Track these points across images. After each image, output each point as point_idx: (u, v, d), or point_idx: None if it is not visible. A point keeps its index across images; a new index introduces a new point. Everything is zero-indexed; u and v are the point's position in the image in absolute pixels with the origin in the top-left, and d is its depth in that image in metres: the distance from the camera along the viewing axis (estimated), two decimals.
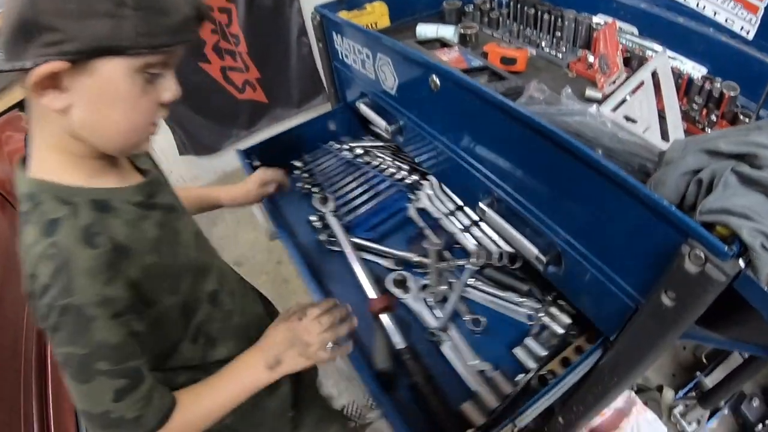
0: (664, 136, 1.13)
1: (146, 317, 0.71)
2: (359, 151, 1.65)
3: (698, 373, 1.82)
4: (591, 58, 1.35)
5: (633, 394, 1.60)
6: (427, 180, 1.51)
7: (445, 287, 1.29)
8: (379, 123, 1.46)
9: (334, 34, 1.53)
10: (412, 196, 1.51)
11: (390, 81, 1.31)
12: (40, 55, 0.55)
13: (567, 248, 0.93)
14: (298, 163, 1.65)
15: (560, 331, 1.20)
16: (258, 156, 1.62)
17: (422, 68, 1.14)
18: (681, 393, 1.81)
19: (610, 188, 0.75)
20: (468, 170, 1.14)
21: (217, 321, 0.87)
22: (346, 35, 1.45)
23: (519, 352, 1.18)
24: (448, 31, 1.60)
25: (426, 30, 1.63)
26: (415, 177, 1.53)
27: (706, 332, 0.79)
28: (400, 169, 1.57)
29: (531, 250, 1.03)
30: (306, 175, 1.61)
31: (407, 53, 1.17)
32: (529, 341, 1.20)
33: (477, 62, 1.35)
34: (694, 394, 1.79)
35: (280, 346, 0.85)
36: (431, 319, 1.24)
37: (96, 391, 0.64)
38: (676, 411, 1.79)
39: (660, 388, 1.86)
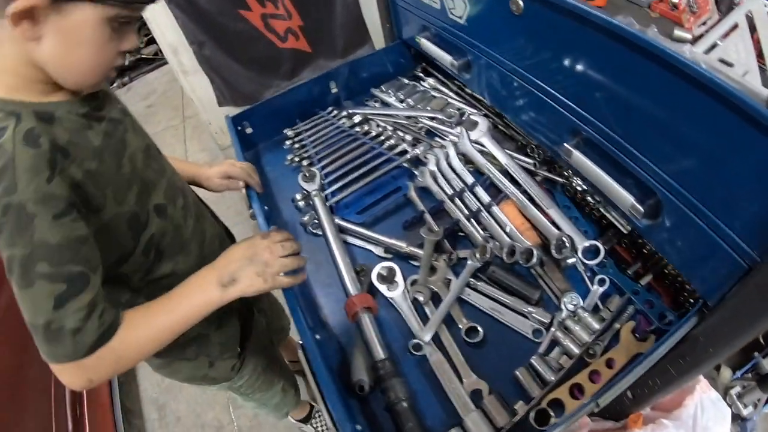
0: (765, 82, 1.04)
1: (92, 223, 0.71)
2: (358, 119, 1.42)
3: (756, 353, 1.63)
4: None
5: None
6: (433, 154, 1.27)
7: (439, 286, 1.08)
8: (443, 58, 1.32)
9: None
10: (416, 173, 1.28)
11: (459, 8, 1.18)
12: None
13: (670, 195, 0.82)
14: (289, 133, 1.45)
15: (575, 350, 0.97)
16: (250, 122, 1.44)
17: None
18: (738, 373, 1.64)
19: (733, 117, 0.64)
20: (552, 105, 1.01)
21: (168, 235, 0.88)
22: None
23: (521, 375, 0.96)
24: None
25: None
26: (418, 151, 1.29)
27: None
28: (402, 140, 1.33)
29: (626, 198, 0.91)
30: (297, 146, 1.41)
31: None
32: (536, 362, 0.97)
33: None
34: (751, 375, 1.65)
35: (238, 263, 0.82)
36: (418, 325, 1.04)
37: (37, 297, 0.64)
38: (733, 392, 1.61)
39: (717, 367, 1.68)
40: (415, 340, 1.01)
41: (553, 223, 1.11)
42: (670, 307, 1.01)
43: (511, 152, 1.23)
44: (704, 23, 1.12)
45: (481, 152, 1.24)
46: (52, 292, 0.64)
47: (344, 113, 1.45)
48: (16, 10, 0.60)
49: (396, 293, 1.08)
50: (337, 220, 1.21)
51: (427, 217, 1.17)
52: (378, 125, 1.40)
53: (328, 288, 1.15)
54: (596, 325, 0.99)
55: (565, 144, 1.01)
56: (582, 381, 0.96)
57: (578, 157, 0.99)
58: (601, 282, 1.05)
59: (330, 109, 1.50)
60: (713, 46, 1.06)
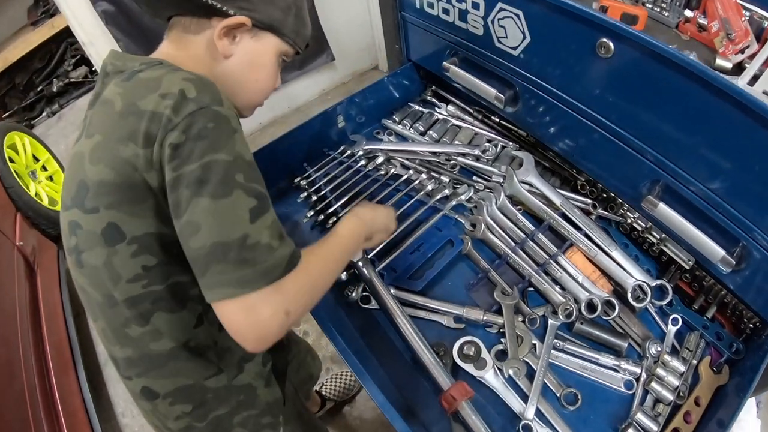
0: None
1: None
2: (380, 159, 1.24)
3: None
4: (702, 20, 1.17)
5: None
6: (481, 199, 1.16)
7: (527, 355, 1.01)
8: (485, 90, 1.17)
9: None
10: (462, 221, 1.16)
11: (515, 39, 1.04)
12: (235, 9, 0.75)
13: (755, 243, 0.84)
14: (303, 183, 1.22)
15: (670, 397, 0.97)
16: None
17: (588, 28, 0.88)
18: None
19: None
20: (631, 153, 0.95)
21: None
22: None
23: None
24: None
25: None
26: (463, 197, 1.17)
27: None
28: (439, 183, 1.19)
29: (716, 251, 0.91)
30: (315, 197, 1.20)
31: (571, 7, 0.89)
32: (642, 418, 0.95)
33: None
34: None
35: (378, 226, 0.96)
36: (518, 403, 0.96)
37: (236, 206, 0.61)
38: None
39: None
40: (524, 422, 0.94)
41: (617, 264, 1.09)
42: (733, 335, 1.06)
43: (563, 192, 1.16)
44: (743, 51, 1.10)
45: (530, 192, 1.16)
46: (247, 204, 0.62)
47: (359, 152, 1.26)
48: (228, 24, 0.75)
49: (486, 372, 0.98)
50: (395, 292, 1.06)
51: (495, 276, 1.07)
52: (404, 165, 1.24)
53: (401, 370, 1.01)
54: (682, 368, 1.00)
55: (650, 196, 0.96)
56: (679, 425, 0.97)
57: (664, 210, 0.96)
58: (675, 321, 1.06)
59: (342, 148, 1.29)
60: (755, 77, 1.05)
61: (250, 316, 0.60)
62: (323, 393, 1.66)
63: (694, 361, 1.03)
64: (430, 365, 0.95)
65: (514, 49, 1.04)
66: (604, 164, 1.03)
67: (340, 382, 1.70)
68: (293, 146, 1.23)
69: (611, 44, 0.86)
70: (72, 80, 3.50)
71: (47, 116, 3.50)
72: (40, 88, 3.45)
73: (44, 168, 2.49)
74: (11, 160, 2.18)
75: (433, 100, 1.41)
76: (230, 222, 0.60)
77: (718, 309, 1.08)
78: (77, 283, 0.73)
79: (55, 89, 3.44)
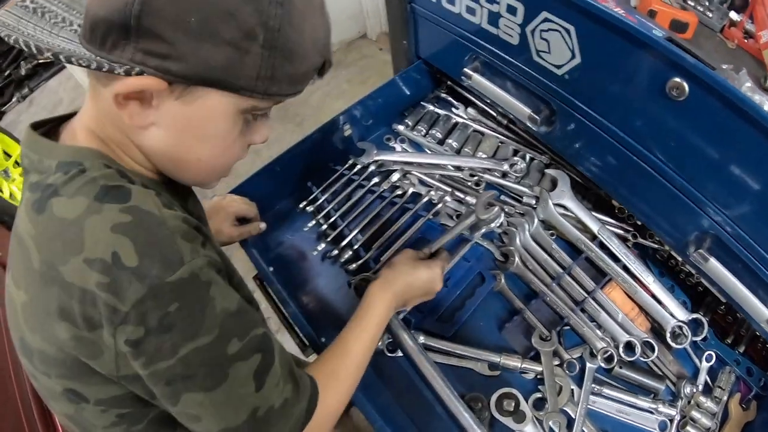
0: None
1: None
2: (396, 176, 1.07)
3: None
4: (749, 26, 1.07)
5: None
6: (512, 226, 1.04)
7: (565, 403, 0.94)
8: (514, 106, 1.00)
9: None
10: (491, 249, 1.04)
11: (560, 57, 0.87)
12: (134, 61, 0.45)
13: None
14: (309, 208, 1.04)
15: None
16: (249, 197, 1.00)
17: (660, 63, 0.73)
18: None
19: None
20: (686, 202, 0.84)
21: None
22: None
23: None
24: None
25: None
26: (494, 224, 1.04)
27: None
28: (461, 203, 1.05)
29: (763, 312, 0.85)
30: (325, 225, 1.03)
31: (641, 35, 0.73)
32: None
33: (657, 31, 0.84)
34: None
35: (415, 293, 0.85)
36: None
37: (235, 386, 0.50)
38: None
39: None
40: None
41: (653, 296, 1.02)
42: (761, 367, 1.04)
43: (600, 216, 1.05)
44: None
45: (563, 215, 1.05)
46: (249, 371, 0.51)
47: (370, 166, 1.08)
48: (120, 92, 0.47)
49: (525, 426, 0.91)
50: (423, 340, 0.94)
51: (532, 318, 0.97)
52: (422, 182, 1.08)
53: (436, 425, 0.92)
54: (715, 408, 0.97)
55: (701, 250, 0.88)
56: None
57: (715, 266, 0.87)
58: (709, 358, 1.02)
59: (351, 161, 1.10)
60: None
61: None
62: None
63: (725, 398, 1.00)
64: (470, 428, 0.87)
65: (558, 67, 0.88)
66: (653, 207, 0.92)
67: None
68: (294, 162, 1.04)
69: (686, 86, 0.72)
70: (40, 61, 3.16)
71: (18, 101, 3.21)
72: (7, 73, 3.15)
73: (17, 164, 2.16)
74: None
75: (449, 98, 1.23)
76: (234, 407, 0.51)
77: (749, 342, 1.05)
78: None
79: (23, 72, 3.13)
